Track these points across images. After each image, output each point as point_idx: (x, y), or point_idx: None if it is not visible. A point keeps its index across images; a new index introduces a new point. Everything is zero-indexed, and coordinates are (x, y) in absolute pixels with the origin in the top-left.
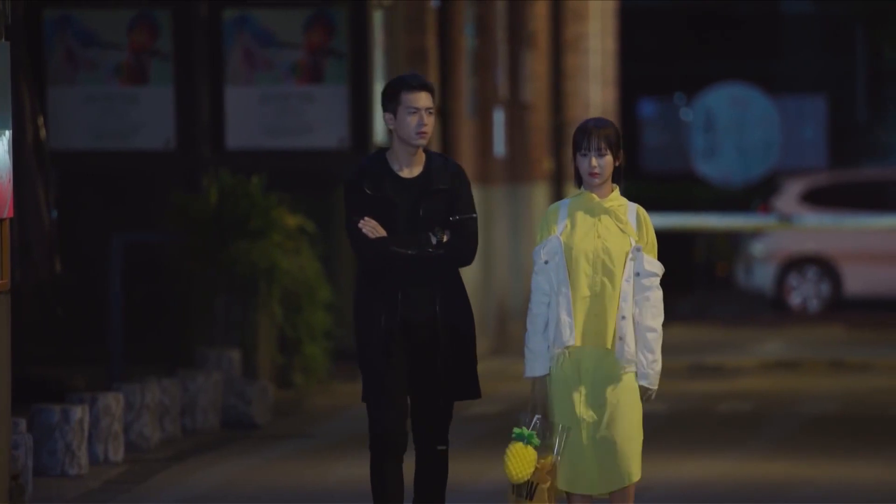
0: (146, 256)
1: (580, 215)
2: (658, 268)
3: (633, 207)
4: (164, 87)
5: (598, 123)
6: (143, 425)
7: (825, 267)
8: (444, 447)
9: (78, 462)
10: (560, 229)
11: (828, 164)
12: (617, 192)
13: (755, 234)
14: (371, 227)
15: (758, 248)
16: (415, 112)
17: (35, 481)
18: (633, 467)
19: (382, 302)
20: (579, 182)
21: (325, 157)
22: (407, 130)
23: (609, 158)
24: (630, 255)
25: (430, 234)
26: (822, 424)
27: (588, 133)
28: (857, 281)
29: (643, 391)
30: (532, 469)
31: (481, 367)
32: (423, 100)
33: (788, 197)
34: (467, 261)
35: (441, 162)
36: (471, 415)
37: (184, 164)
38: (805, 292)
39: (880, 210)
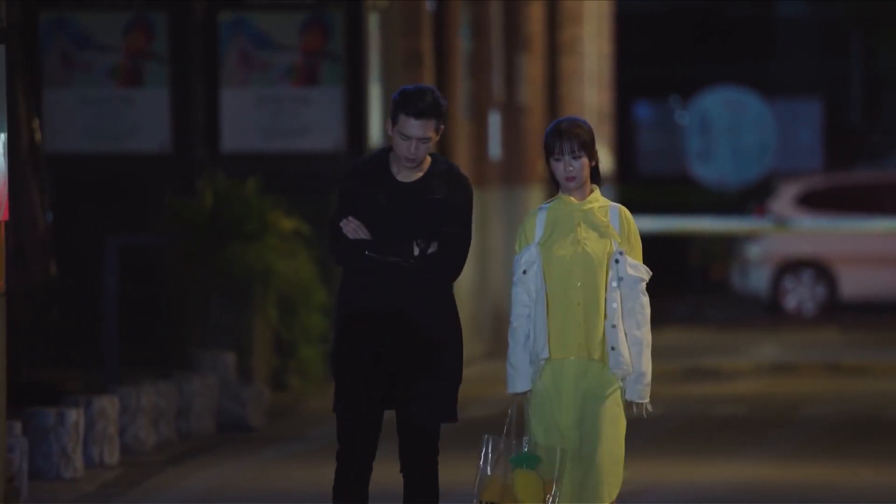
0: (141, 259)
1: (558, 221)
2: (643, 272)
3: (616, 208)
4: (159, 89)
5: (570, 125)
6: (139, 428)
7: (821, 270)
8: (430, 462)
9: (73, 465)
10: (538, 236)
11: (823, 167)
12: (597, 192)
13: (750, 236)
14: (353, 228)
15: (753, 250)
16: (406, 139)
17: (30, 484)
18: (608, 488)
19: (364, 308)
20: (556, 187)
21: (321, 159)
22: (397, 150)
23: (584, 160)
24: (613, 258)
25: (414, 243)
26: (818, 427)
27: (560, 136)
28: (852, 284)
29: (634, 406)
30: (542, 495)
31: (477, 370)
32: (419, 129)
33: (784, 200)
34: (449, 277)
35: (444, 168)
36: (465, 418)
37: (179, 166)
38: (800, 295)
39: (876, 213)
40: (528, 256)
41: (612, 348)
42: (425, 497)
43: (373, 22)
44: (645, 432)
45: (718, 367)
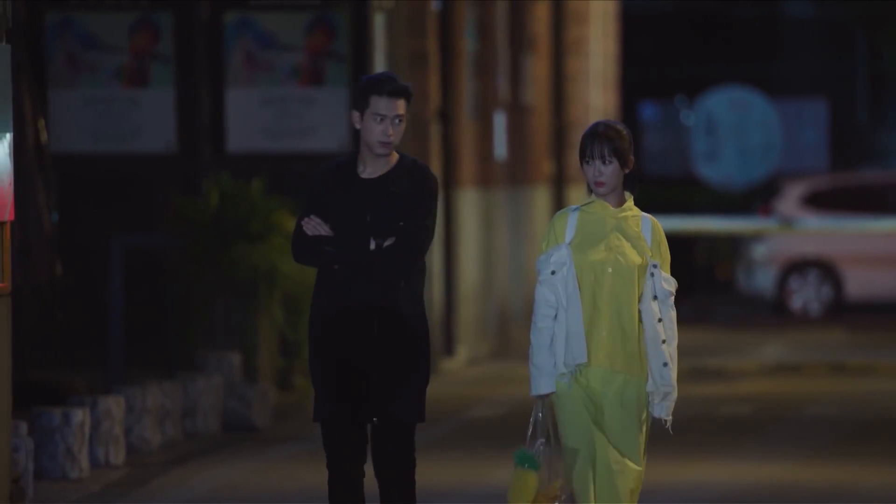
0: (146, 260)
1: (590, 225)
2: (673, 285)
3: (648, 219)
4: (164, 89)
5: (605, 129)
6: (144, 428)
7: (826, 270)
8: (409, 462)
9: (79, 465)
10: (569, 238)
11: (828, 166)
12: (631, 201)
13: (756, 237)
14: (313, 226)
15: (759, 251)
16: (382, 119)
17: (36, 484)
18: (633, 495)
19: (333, 310)
20: (590, 190)
21: (326, 159)
22: (370, 136)
23: (615, 166)
24: (648, 272)
25: (372, 238)
26: (823, 428)
27: (592, 139)
28: (858, 284)
29: (664, 421)
30: (532, 497)
31: (483, 371)
32: (393, 107)
33: (789, 200)
34: (399, 272)
35: (409, 164)
36: (472, 418)
37: (184, 167)
38: (806, 295)
39: (881, 213)
40: (559, 257)
41: (664, 364)
42: (404, 499)
43: (378, 22)
44: (649, 432)
45: (723, 368)
